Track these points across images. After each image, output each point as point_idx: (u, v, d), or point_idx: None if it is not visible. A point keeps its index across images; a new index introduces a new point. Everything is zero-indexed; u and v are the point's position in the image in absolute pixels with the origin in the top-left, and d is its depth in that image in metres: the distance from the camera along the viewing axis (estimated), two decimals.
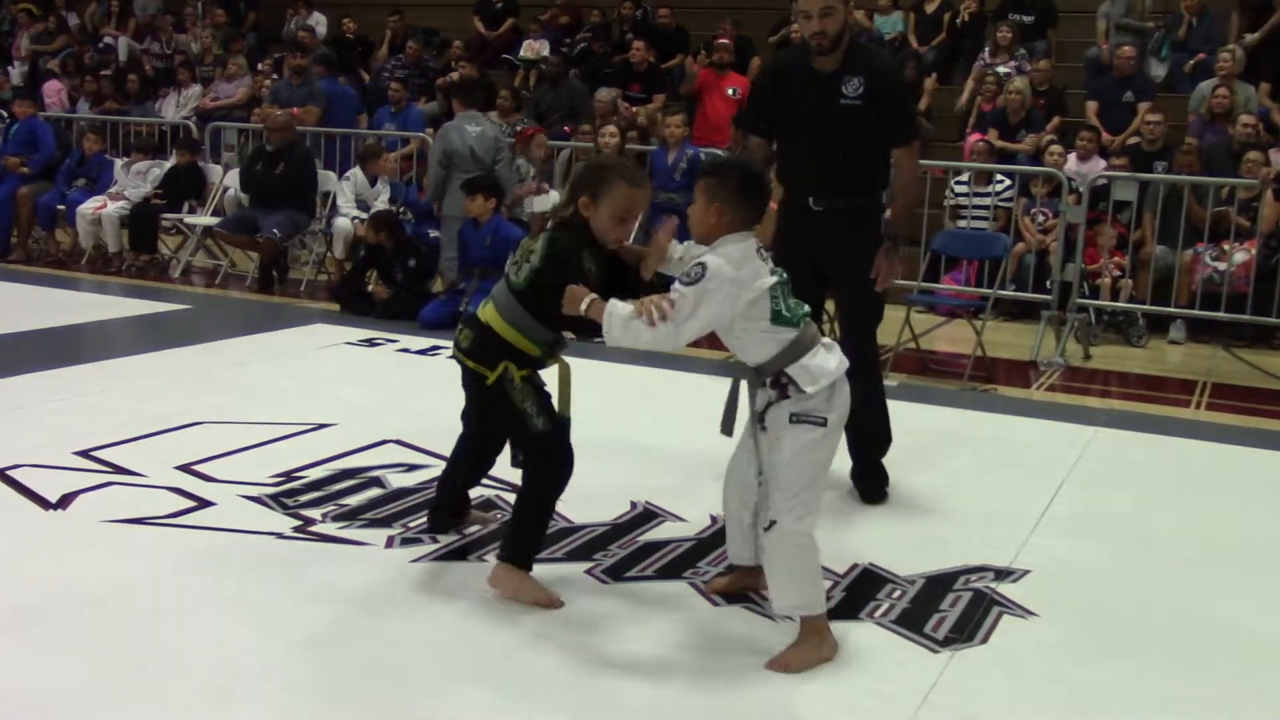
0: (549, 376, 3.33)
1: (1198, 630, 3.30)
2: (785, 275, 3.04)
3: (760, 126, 4.46)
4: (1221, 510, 4.40)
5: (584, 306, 3.00)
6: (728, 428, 3.18)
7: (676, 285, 2.93)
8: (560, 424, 3.26)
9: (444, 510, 3.80)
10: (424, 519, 3.87)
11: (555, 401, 3.29)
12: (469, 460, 3.72)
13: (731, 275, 2.89)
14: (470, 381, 3.33)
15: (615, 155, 3.12)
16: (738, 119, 5.16)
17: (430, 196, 8.11)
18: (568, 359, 3.36)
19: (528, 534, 3.31)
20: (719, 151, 9.03)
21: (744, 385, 3.12)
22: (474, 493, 4.13)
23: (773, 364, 2.97)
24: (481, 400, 3.36)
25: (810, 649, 3.00)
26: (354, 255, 8.38)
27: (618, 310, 2.94)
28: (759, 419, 3.06)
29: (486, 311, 3.27)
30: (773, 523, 2.98)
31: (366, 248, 7.99)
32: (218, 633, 3.03)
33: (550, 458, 3.26)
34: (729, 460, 3.28)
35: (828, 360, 2.99)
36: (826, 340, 3.05)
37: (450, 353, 3.39)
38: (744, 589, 3.37)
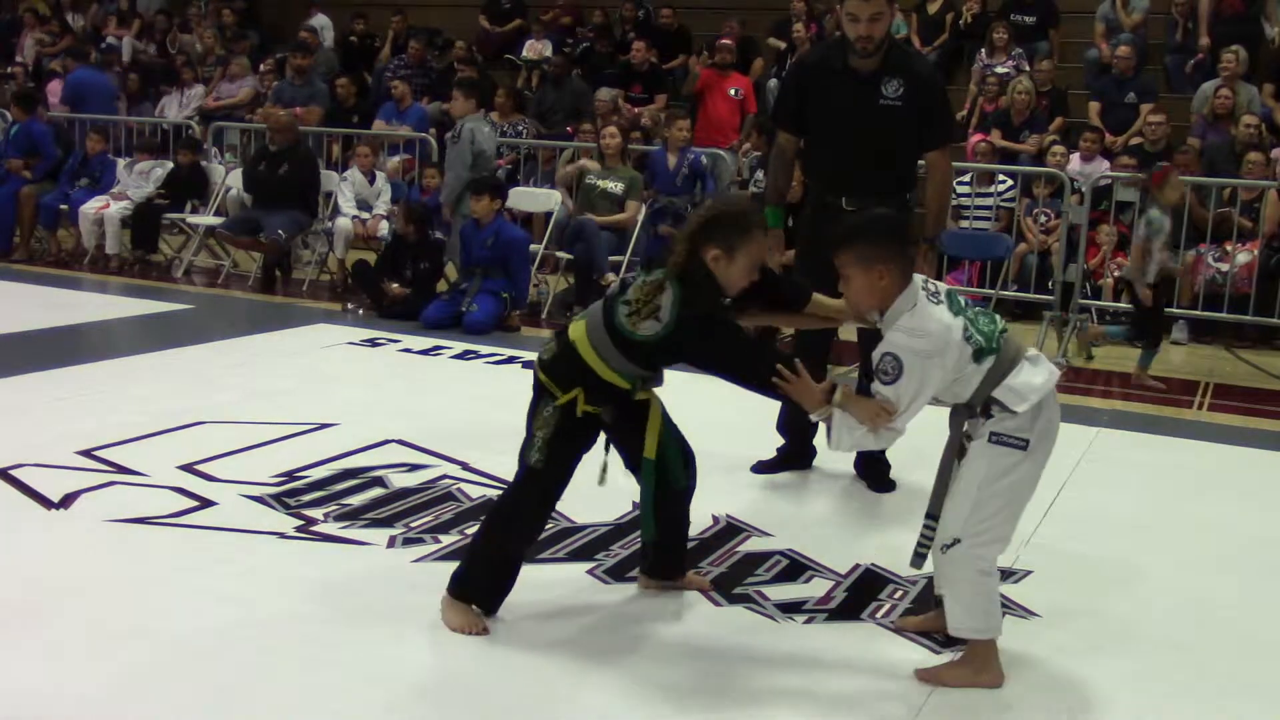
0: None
1: (1199, 630, 3.30)
2: (959, 297, 2.89)
3: (790, 124, 4.48)
4: (1223, 511, 4.40)
5: (818, 414, 2.84)
6: (934, 506, 2.95)
7: (878, 387, 2.78)
8: (556, 475, 3.05)
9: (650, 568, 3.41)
10: (426, 518, 3.88)
11: (645, 441, 3.06)
12: (663, 508, 3.23)
13: (924, 348, 2.74)
14: (534, 395, 3.08)
15: (739, 198, 2.83)
16: (772, 116, 5.17)
17: (448, 197, 8.00)
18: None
19: (478, 567, 3.12)
20: (721, 153, 9.03)
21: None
22: (477, 491, 4.14)
23: (979, 394, 2.82)
24: (530, 409, 3.09)
25: (970, 672, 2.91)
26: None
27: (846, 421, 2.80)
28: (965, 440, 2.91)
29: (577, 330, 3.00)
30: (956, 541, 2.83)
31: (393, 238, 7.97)
32: (218, 632, 3.03)
33: (522, 494, 3.08)
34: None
35: (1034, 375, 2.82)
36: (1032, 353, 2.89)
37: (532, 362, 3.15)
38: (937, 630, 3.12)
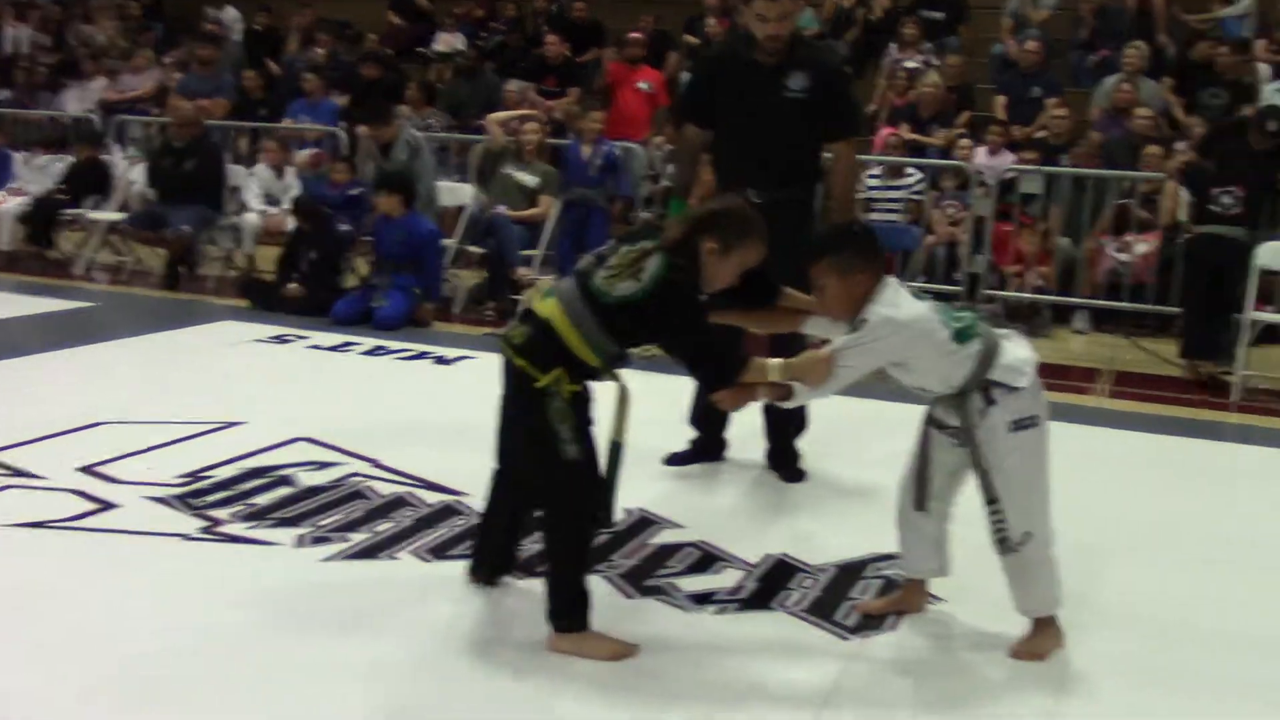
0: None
1: (1094, 613, 3.36)
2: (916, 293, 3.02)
3: (698, 117, 4.50)
4: (1123, 495, 4.51)
5: (772, 376, 2.93)
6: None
7: (839, 339, 2.93)
8: (593, 459, 2.92)
9: (481, 558, 3.34)
10: (335, 517, 3.83)
11: (610, 426, 2.97)
12: (508, 502, 3.23)
13: (897, 318, 2.86)
14: (511, 383, 2.97)
15: (746, 207, 2.86)
16: (680, 110, 5.18)
17: (428, 208, 7.94)
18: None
19: (569, 591, 2.96)
20: (633, 146, 9.04)
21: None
22: (388, 489, 4.10)
23: (974, 379, 2.92)
24: (517, 408, 2.99)
25: (1053, 642, 3.08)
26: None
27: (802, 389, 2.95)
28: (957, 434, 2.99)
29: (549, 307, 2.91)
30: (1028, 534, 2.95)
31: (294, 233, 7.87)
32: (122, 637, 2.96)
33: (577, 493, 2.92)
34: (902, 474, 3.20)
35: (1019, 349, 2.96)
36: (1003, 331, 3.02)
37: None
38: (902, 610, 3.27)
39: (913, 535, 3.21)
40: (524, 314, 3.01)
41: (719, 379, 3.01)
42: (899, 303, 2.91)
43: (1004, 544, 2.98)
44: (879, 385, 3.04)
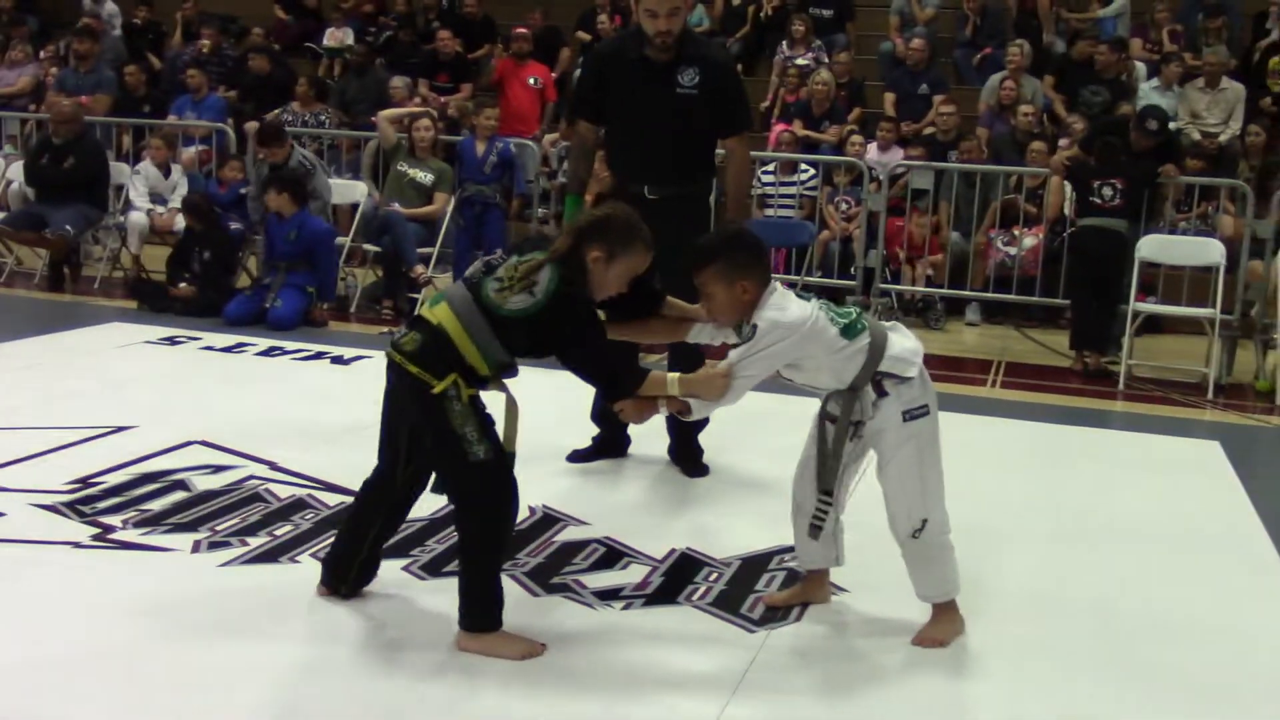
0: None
1: (987, 596, 3.44)
2: (801, 292, 3.07)
3: (590, 114, 4.50)
4: (1013, 481, 4.63)
5: (670, 390, 2.96)
6: (827, 481, 3.09)
7: (734, 352, 2.96)
8: (502, 456, 2.91)
9: (346, 569, 3.21)
10: (233, 521, 3.75)
11: (501, 435, 2.95)
12: (384, 506, 3.18)
13: (784, 320, 2.90)
14: (404, 391, 2.93)
15: (630, 211, 2.88)
16: (572, 107, 5.17)
17: (323, 210, 7.87)
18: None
19: (481, 591, 2.95)
20: (527, 142, 9.01)
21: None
22: (286, 491, 4.04)
23: (865, 373, 2.97)
24: (416, 416, 2.96)
25: (952, 628, 3.15)
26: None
27: (697, 402, 2.99)
28: (851, 427, 3.02)
29: (440, 313, 2.89)
30: (924, 521, 3.02)
31: (185, 233, 7.69)
32: (13, 648, 2.87)
33: (490, 493, 2.90)
34: (797, 466, 3.21)
35: (906, 340, 3.03)
36: (888, 323, 3.08)
37: (389, 351, 2.96)
38: (807, 601, 3.32)
39: (804, 532, 3.23)
40: (413, 320, 2.98)
41: (616, 390, 3.04)
42: (786, 305, 2.94)
43: (815, 529, 3.11)
44: (772, 380, 3.07)
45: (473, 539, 2.95)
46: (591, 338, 2.94)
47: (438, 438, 2.90)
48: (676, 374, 3.01)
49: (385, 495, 3.15)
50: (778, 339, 2.91)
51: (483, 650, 2.93)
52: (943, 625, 3.16)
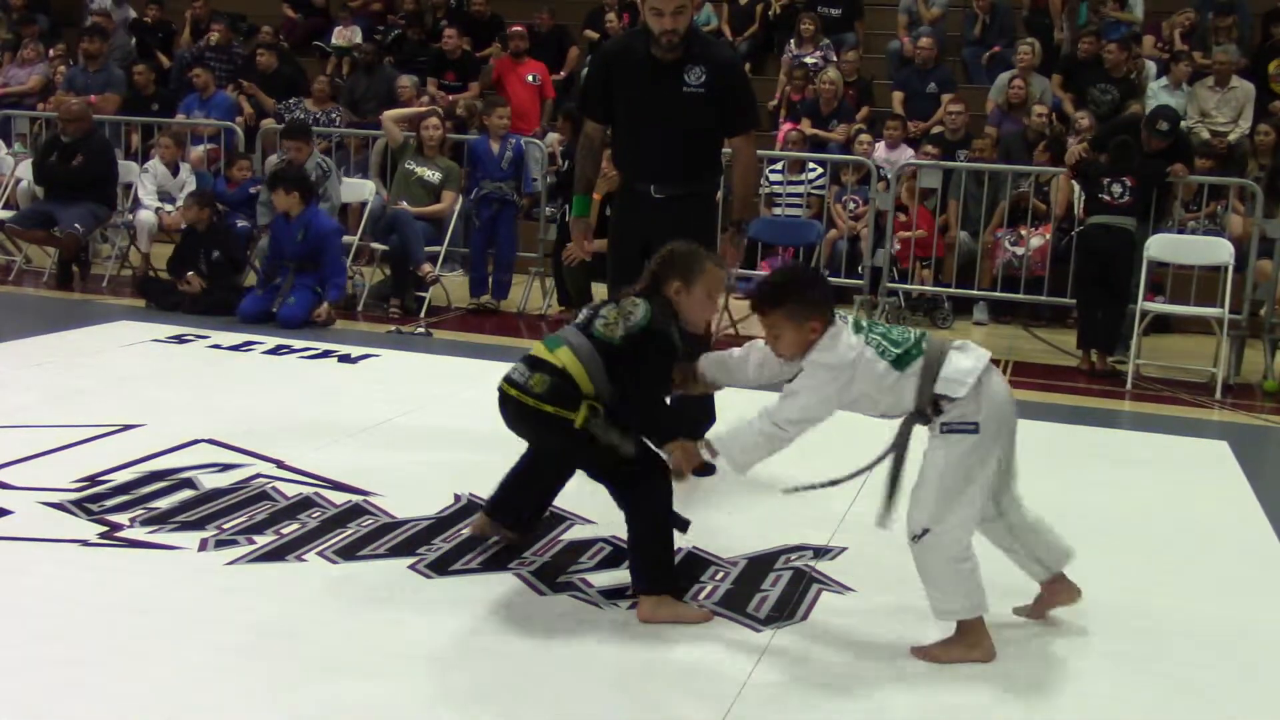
0: None
1: (998, 597, 3.42)
2: (862, 320, 3.09)
3: (597, 113, 4.51)
4: (1020, 482, 4.60)
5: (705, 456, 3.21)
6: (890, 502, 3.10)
7: (783, 395, 3.04)
8: (645, 444, 3.23)
9: (509, 510, 3.62)
10: (240, 519, 3.76)
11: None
12: (550, 472, 3.59)
13: (830, 361, 2.96)
14: (539, 427, 3.25)
15: (688, 242, 3.25)
16: (578, 105, 5.17)
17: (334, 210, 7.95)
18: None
19: (655, 558, 3.23)
20: (534, 140, 9.00)
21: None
22: (294, 490, 4.04)
23: (923, 396, 2.95)
24: (562, 446, 3.31)
25: (963, 648, 3.04)
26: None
27: (730, 454, 3.13)
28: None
29: (563, 356, 3.19)
30: (925, 530, 2.96)
31: (185, 230, 7.70)
32: (21, 646, 2.88)
33: (650, 475, 3.22)
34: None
35: (963, 360, 2.97)
36: (958, 342, 3.04)
37: (503, 391, 3.26)
38: (1058, 605, 3.30)
39: (1007, 544, 3.24)
40: (537, 363, 3.22)
41: (654, 434, 3.27)
42: (835, 347, 2.98)
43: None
44: (783, 380, 3.08)
45: (645, 515, 3.22)
46: (659, 380, 3.29)
47: (589, 456, 3.24)
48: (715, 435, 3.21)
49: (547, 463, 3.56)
50: (822, 381, 2.97)
51: (664, 615, 3.16)
52: (951, 645, 3.05)
